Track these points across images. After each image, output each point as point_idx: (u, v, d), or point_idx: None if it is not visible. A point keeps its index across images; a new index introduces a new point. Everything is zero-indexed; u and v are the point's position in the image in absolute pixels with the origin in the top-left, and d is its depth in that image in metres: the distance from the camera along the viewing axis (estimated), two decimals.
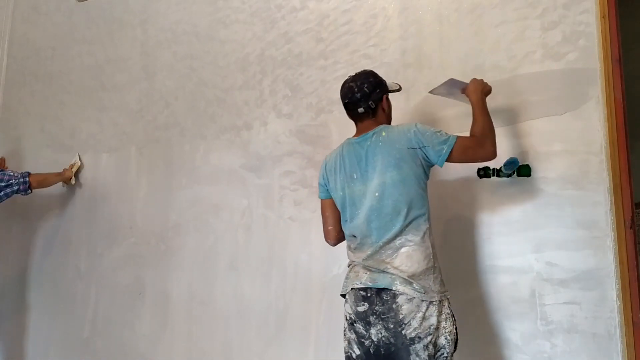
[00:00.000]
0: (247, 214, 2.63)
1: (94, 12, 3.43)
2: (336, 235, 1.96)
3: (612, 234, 1.84)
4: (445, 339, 1.66)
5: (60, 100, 3.46)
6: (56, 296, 3.18)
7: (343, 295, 1.84)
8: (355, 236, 1.82)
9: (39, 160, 3.45)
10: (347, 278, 1.84)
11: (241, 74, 2.78)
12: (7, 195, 2.99)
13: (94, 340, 3.00)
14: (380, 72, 2.35)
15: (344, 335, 1.80)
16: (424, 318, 1.63)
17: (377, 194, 1.74)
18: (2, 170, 3.05)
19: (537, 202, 1.98)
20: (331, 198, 1.94)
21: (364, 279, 1.74)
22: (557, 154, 1.96)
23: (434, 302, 1.66)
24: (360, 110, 1.86)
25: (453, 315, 1.71)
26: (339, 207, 1.91)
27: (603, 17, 1.93)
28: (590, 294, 1.85)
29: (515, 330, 1.96)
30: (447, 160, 1.74)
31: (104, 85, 3.29)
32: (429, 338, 1.63)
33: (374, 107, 1.86)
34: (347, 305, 1.79)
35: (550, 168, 1.97)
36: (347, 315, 1.79)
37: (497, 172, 2.00)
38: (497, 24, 2.14)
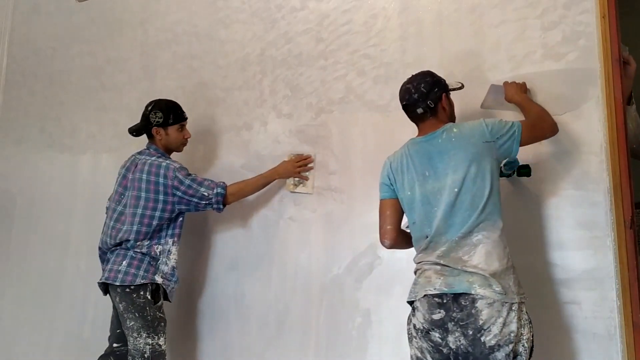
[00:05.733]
0: (247, 214, 2.63)
1: (94, 12, 3.43)
2: (395, 235, 1.87)
3: (612, 234, 1.83)
4: (523, 346, 1.57)
5: (60, 100, 3.46)
6: (56, 296, 3.18)
7: (410, 303, 1.75)
8: (427, 236, 1.74)
9: (39, 160, 3.45)
10: (415, 284, 1.74)
11: (241, 74, 2.78)
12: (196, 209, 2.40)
13: (94, 340, 2.99)
14: (380, 72, 2.36)
15: (411, 342, 1.71)
16: (504, 324, 1.55)
17: (455, 190, 1.68)
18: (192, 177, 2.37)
19: (537, 202, 1.97)
20: (394, 198, 1.87)
21: (437, 284, 1.64)
22: (557, 154, 1.96)
23: (514, 307, 1.57)
24: (420, 110, 1.83)
25: (530, 322, 1.62)
26: (404, 207, 1.84)
27: (603, 17, 1.93)
28: (590, 294, 1.85)
29: None
30: (520, 144, 1.76)
31: (104, 85, 3.29)
32: (510, 346, 1.54)
33: (432, 106, 1.82)
34: (419, 313, 1.68)
35: (550, 168, 1.97)
36: (419, 325, 1.68)
37: None
38: (497, 24, 2.14)
